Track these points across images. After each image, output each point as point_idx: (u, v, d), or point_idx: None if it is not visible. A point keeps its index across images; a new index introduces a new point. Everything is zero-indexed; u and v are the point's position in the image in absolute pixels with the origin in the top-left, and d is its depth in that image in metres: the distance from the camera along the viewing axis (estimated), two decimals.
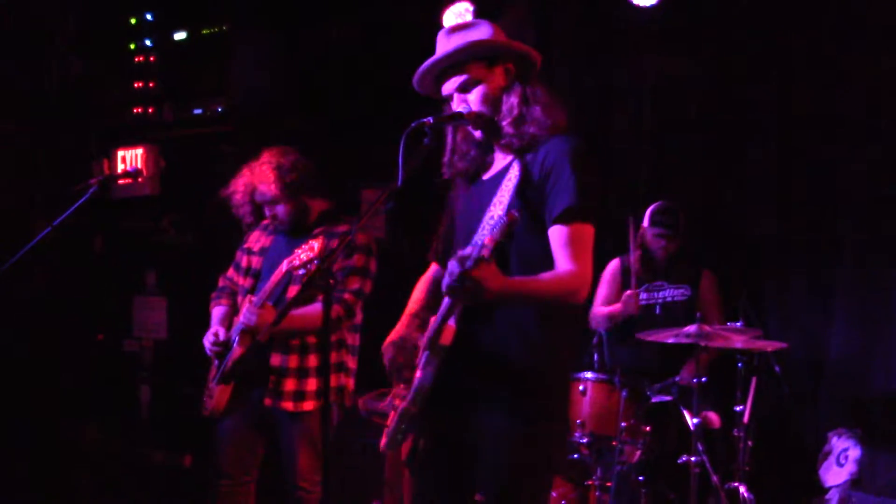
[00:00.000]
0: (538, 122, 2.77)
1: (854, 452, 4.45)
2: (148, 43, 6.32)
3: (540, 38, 5.55)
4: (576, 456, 4.49)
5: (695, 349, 4.27)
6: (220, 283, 4.37)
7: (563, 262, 2.66)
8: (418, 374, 2.73)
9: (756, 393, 4.56)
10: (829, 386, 4.94)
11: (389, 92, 5.89)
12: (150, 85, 6.30)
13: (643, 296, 4.89)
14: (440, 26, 5.57)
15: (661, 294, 4.88)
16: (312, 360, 3.98)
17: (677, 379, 4.57)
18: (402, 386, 2.87)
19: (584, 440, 4.42)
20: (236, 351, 3.96)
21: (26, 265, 3.73)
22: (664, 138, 5.41)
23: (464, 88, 2.82)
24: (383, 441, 2.83)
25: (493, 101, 2.81)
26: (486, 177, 2.92)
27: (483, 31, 2.82)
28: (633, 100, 5.39)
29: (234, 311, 4.21)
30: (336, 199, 4.25)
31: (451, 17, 5.61)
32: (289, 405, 3.93)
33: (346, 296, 3.93)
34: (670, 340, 4.19)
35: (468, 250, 2.41)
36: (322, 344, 3.92)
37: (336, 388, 4.07)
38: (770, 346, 4.28)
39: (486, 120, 2.84)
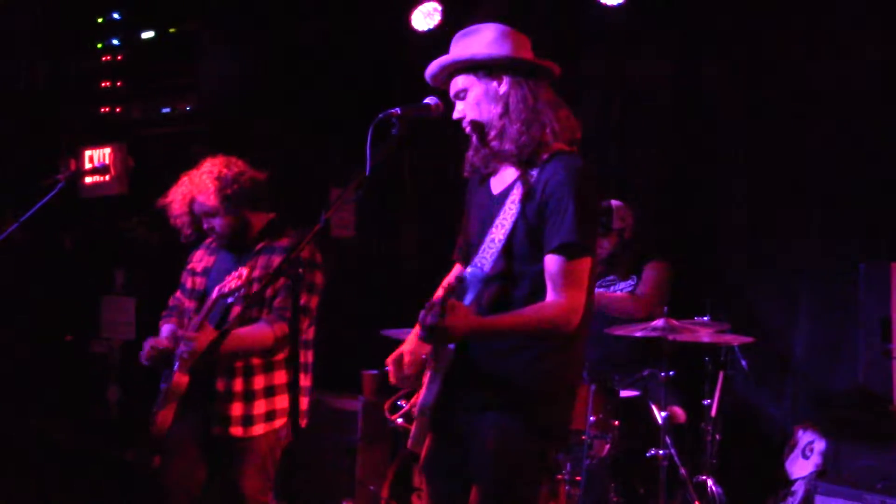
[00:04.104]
0: (512, 138, 2.76)
1: (819, 445, 4.50)
2: (115, 42, 6.30)
3: None
4: None
5: (662, 342, 4.29)
6: (171, 303, 4.17)
7: (552, 292, 2.69)
8: (423, 391, 2.81)
9: (723, 387, 4.60)
10: (795, 380, 5.00)
11: (360, 92, 5.93)
12: (118, 84, 6.28)
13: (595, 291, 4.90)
14: (409, 26, 5.62)
15: (612, 289, 4.89)
16: (259, 383, 3.79)
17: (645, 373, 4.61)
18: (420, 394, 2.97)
19: None
20: (178, 376, 3.73)
21: None
22: (631, 136, 5.45)
23: (457, 95, 2.90)
24: (409, 442, 2.92)
25: (481, 110, 2.84)
26: (497, 189, 2.91)
27: (481, 43, 2.83)
28: (600, 97, 5.43)
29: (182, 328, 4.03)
30: (280, 210, 4.01)
31: (419, 17, 5.63)
32: (238, 430, 3.75)
33: (289, 314, 3.57)
34: (638, 334, 4.22)
35: (437, 297, 2.52)
36: (268, 365, 3.80)
37: (285, 409, 3.84)
38: (737, 340, 4.32)
39: (476, 125, 2.86)
